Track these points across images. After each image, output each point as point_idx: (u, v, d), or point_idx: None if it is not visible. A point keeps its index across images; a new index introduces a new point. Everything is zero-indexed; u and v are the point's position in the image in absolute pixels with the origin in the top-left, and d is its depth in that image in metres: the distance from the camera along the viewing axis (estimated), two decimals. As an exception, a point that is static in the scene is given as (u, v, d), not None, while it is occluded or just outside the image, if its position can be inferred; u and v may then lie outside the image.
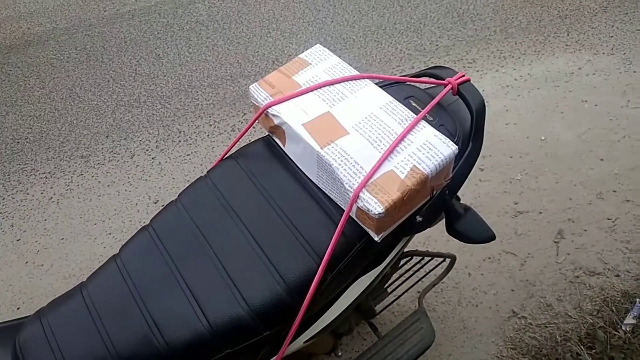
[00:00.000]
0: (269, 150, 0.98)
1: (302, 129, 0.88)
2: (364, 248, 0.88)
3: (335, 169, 0.83)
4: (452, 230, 1.01)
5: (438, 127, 0.97)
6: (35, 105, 2.65)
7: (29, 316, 0.86)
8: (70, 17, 3.26)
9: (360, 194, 0.81)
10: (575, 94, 2.17)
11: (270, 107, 0.92)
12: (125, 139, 2.39)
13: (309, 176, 0.92)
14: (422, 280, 1.41)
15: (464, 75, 1.01)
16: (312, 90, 0.93)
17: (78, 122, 2.51)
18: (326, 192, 0.90)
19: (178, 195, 0.97)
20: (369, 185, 0.81)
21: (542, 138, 2.02)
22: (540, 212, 1.80)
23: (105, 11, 3.26)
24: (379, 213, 0.79)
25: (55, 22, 3.24)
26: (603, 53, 2.34)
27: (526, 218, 1.79)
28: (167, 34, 2.98)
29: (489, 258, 1.70)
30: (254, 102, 0.96)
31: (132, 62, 2.81)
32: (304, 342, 0.93)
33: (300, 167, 0.94)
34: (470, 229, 1.00)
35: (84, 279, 1.87)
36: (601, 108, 2.10)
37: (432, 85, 1.05)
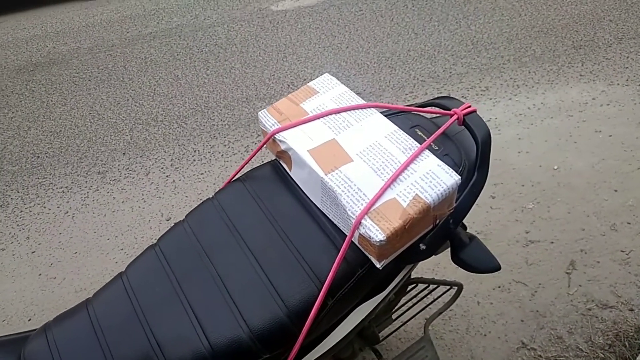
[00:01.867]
0: (276, 174, 1.00)
1: (308, 155, 0.89)
2: (365, 275, 0.88)
3: (338, 195, 0.84)
4: (456, 259, 1.01)
5: (443, 156, 0.98)
6: (56, 121, 2.73)
7: (35, 330, 0.88)
8: (94, 38, 3.37)
9: (363, 221, 0.82)
10: (589, 124, 2.16)
11: (277, 133, 0.94)
12: (141, 156, 2.44)
13: (313, 201, 0.94)
14: (430, 307, 1.40)
15: (470, 106, 1.02)
16: (318, 118, 0.95)
17: (97, 139, 2.57)
18: (330, 218, 0.91)
19: (186, 216, 0.99)
20: (371, 212, 0.82)
21: (555, 167, 2.01)
22: (552, 242, 1.78)
23: (127, 32, 3.37)
24: (380, 240, 0.79)
25: (79, 42, 3.35)
26: (618, 84, 2.34)
27: (537, 247, 1.77)
28: (186, 55, 3.06)
29: (499, 287, 1.68)
30: (263, 128, 0.99)
31: (152, 82, 2.89)
32: (304, 367, 0.93)
33: (305, 192, 0.95)
34: (474, 259, 1.00)
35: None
36: (615, 139, 2.09)
37: (439, 115, 1.06)
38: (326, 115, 0.95)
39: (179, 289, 0.88)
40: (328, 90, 1.00)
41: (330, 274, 0.84)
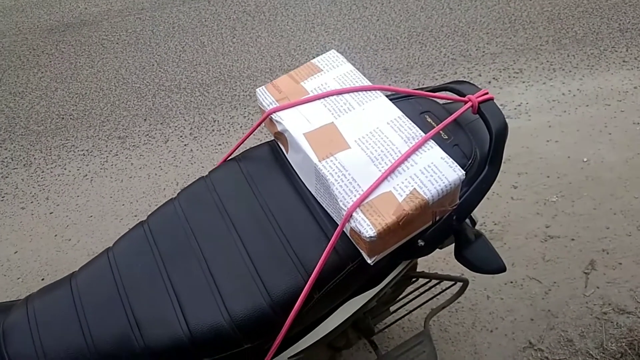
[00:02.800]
0: (273, 155, 0.95)
1: (303, 138, 0.84)
2: (356, 269, 0.84)
3: (330, 184, 0.80)
4: (459, 256, 0.96)
5: (452, 146, 0.92)
6: (82, 83, 2.74)
7: (19, 300, 0.88)
8: (125, 0, 3.35)
9: (354, 214, 0.77)
10: (628, 114, 2.02)
11: (274, 112, 0.89)
12: (161, 123, 2.43)
13: (308, 187, 0.89)
14: (433, 301, 1.34)
15: (487, 93, 0.94)
16: (318, 99, 0.89)
17: (120, 103, 2.58)
18: (323, 206, 0.87)
19: (178, 193, 0.96)
20: (364, 205, 0.77)
21: (585, 159, 1.90)
22: (573, 239, 1.69)
23: (158, -5, 3.33)
24: (371, 237, 0.75)
25: (110, 4, 3.34)
26: (665, 72, 2.17)
27: (556, 244, 1.68)
28: (214, 22, 3.00)
29: (511, 282, 1.62)
30: (260, 106, 0.94)
31: (178, 48, 2.86)
32: (289, 358, 0.90)
33: (301, 177, 0.91)
34: (478, 258, 0.94)
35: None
36: (655, 132, 1.95)
37: (452, 100, 0.99)
38: (327, 96, 0.89)
39: (164, 270, 0.86)
40: (332, 69, 0.94)
41: (317, 266, 0.80)
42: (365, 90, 0.90)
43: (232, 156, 1.00)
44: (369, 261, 0.81)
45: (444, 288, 1.30)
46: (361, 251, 0.82)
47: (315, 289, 0.81)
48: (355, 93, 0.90)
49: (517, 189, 1.85)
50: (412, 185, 0.78)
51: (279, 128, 0.89)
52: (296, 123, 0.86)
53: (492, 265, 0.94)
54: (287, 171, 0.92)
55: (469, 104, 0.92)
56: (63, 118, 2.56)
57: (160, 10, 3.20)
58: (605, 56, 2.28)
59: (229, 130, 2.34)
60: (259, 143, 1.03)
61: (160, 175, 2.19)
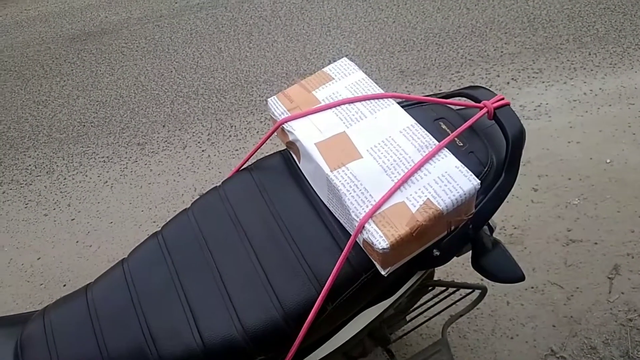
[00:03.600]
0: (285, 165, 0.95)
1: (315, 148, 0.84)
2: (370, 280, 0.83)
3: (342, 194, 0.79)
4: (476, 265, 0.94)
5: (467, 154, 0.90)
6: (103, 91, 2.79)
7: (37, 311, 0.89)
8: (144, 8, 3.40)
9: (366, 225, 0.76)
10: (653, 114, 1.97)
11: (285, 122, 0.89)
12: (180, 129, 2.45)
13: (320, 197, 0.89)
14: (451, 307, 1.32)
15: (503, 98, 0.92)
16: (330, 108, 0.89)
17: (139, 110, 2.61)
18: (336, 216, 0.86)
19: (192, 204, 0.97)
20: (377, 216, 0.76)
21: (608, 161, 1.85)
22: (596, 243, 1.64)
23: (176, 3, 3.37)
24: (384, 248, 0.74)
25: (130, 12, 3.39)
26: (692, 70, 2.10)
27: (579, 248, 1.64)
28: (230, 27, 3.03)
29: (532, 287, 1.58)
30: (272, 116, 0.94)
31: (195, 54, 2.88)
32: (303, 369, 0.90)
33: (313, 186, 0.90)
34: (496, 267, 0.92)
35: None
36: (682, 132, 1.89)
37: (467, 107, 0.97)
38: (338, 105, 0.89)
39: (177, 281, 0.86)
40: (344, 77, 0.94)
41: (331, 277, 0.79)
42: (377, 99, 0.89)
43: (245, 165, 1.00)
44: (382, 272, 0.80)
45: (462, 295, 1.27)
46: (374, 262, 0.81)
47: (328, 301, 0.81)
48: (367, 101, 0.89)
49: (537, 191, 1.81)
50: (426, 196, 0.77)
51: (291, 138, 0.88)
52: (308, 133, 0.86)
53: (510, 274, 0.92)
54: (299, 181, 0.92)
55: (485, 109, 0.90)
56: (84, 125, 2.61)
57: (178, 18, 3.23)
58: (628, 54, 2.22)
59: (245, 136, 2.35)
60: (271, 152, 1.03)
61: (179, 182, 2.21)
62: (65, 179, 2.34)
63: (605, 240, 1.64)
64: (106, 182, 2.28)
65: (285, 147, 0.98)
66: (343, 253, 0.79)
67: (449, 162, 0.80)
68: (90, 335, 0.81)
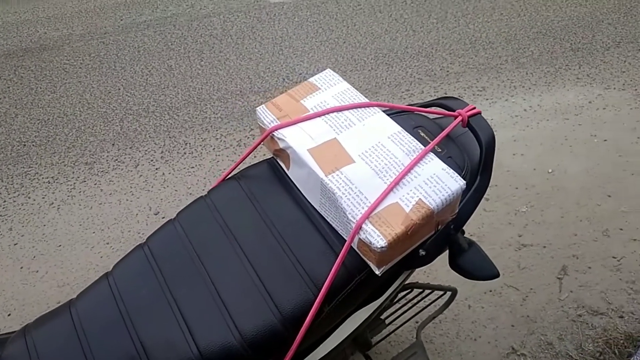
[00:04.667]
0: (273, 173, 0.96)
1: (308, 154, 0.86)
2: (364, 281, 0.85)
3: (338, 197, 0.81)
4: (454, 265, 0.99)
5: (446, 159, 0.95)
6: (44, 109, 2.66)
7: (14, 332, 0.84)
8: (86, 24, 3.29)
9: (363, 226, 0.79)
10: (585, 128, 2.15)
11: (276, 130, 0.90)
12: (130, 147, 2.38)
13: (311, 202, 0.91)
14: (421, 312, 1.37)
15: (474, 108, 0.99)
16: (319, 116, 0.91)
17: (85, 129, 2.51)
18: (328, 220, 0.88)
19: (177, 214, 0.95)
20: (373, 217, 0.79)
21: (550, 171, 2.00)
22: (545, 247, 1.77)
23: (121, 20, 3.30)
24: (382, 247, 0.76)
25: (71, 28, 3.27)
26: (614, 88, 2.33)
27: (530, 252, 1.76)
28: (180, 45, 3.00)
29: (490, 291, 1.67)
30: (260, 124, 0.95)
31: (144, 71, 2.83)
32: (297, 374, 0.90)
33: (303, 192, 0.92)
34: (473, 266, 0.98)
35: (78, 288, 1.84)
36: (611, 144, 2.08)
37: (441, 115, 1.03)
38: (328, 113, 0.92)
39: (168, 292, 0.84)
40: (330, 87, 0.97)
41: (328, 280, 0.81)
42: (364, 107, 0.93)
43: (230, 175, 1.00)
44: (377, 272, 0.82)
45: (434, 299, 1.33)
46: (369, 262, 0.83)
47: (325, 303, 0.82)
48: (354, 109, 0.92)
49: (489, 201, 1.92)
50: (418, 196, 0.81)
51: (282, 145, 0.90)
52: (299, 140, 0.88)
53: (486, 272, 0.97)
54: (288, 187, 0.93)
55: (460, 118, 0.97)
56: (25, 145, 2.47)
57: (124, 34, 3.16)
58: (560, 74, 2.43)
59: (201, 153, 2.32)
60: (253, 162, 1.04)
61: (132, 201, 2.14)
62: (5, 201, 2.19)
63: (553, 244, 1.77)
64: (52, 203, 2.16)
65: (271, 156, 1.00)
66: (341, 253, 0.81)
67: (436, 165, 0.85)
68: (79, 352, 0.77)
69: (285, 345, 0.81)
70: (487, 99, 2.34)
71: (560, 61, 2.50)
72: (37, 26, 3.34)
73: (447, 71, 2.54)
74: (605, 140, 2.09)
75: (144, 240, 0.92)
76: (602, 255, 1.72)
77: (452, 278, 1.68)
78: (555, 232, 1.81)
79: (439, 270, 1.70)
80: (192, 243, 0.89)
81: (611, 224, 1.80)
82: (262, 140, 0.94)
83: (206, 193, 0.97)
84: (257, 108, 0.95)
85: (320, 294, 0.80)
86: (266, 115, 0.93)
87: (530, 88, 2.37)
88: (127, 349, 0.78)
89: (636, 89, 2.31)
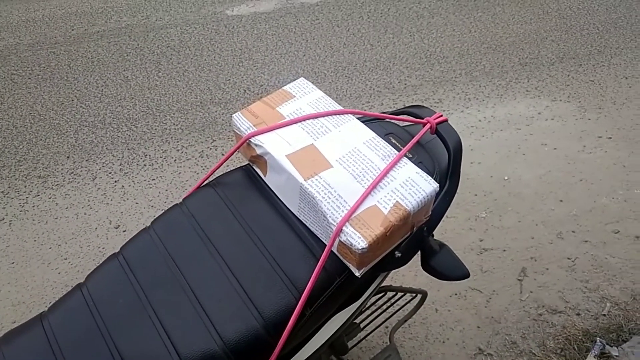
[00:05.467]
0: (249, 179, 0.97)
1: (286, 160, 0.87)
2: (344, 283, 0.86)
3: (318, 201, 0.82)
4: (426, 266, 1.02)
5: (417, 164, 0.99)
6: (-9, 121, 2.54)
7: (-19, 349, 0.79)
8: (35, 34, 3.17)
9: (344, 228, 0.80)
10: (536, 137, 2.27)
11: (253, 136, 0.91)
12: (87, 160, 2.31)
13: (289, 208, 0.91)
14: (394, 315, 1.40)
15: (441, 115, 1.04)
16: (296, 122, 0.93)
17: (37, 141, 2.41)
18: (307, 225, 0.89)
19: (151, 222, 0.94)
20: (353, 219, 0.81)
21: (505, 178, 2.09)
22: (505, 250, 1.84)
23: (72, 30, 3.20)
24: (362, 248, 0.78)
25: (19, 38, 3.15)
26: (560, 100, 2.47)
27: (491, 255, 1.83)
28: (136, 56, 2.94)
29: (456, 294, 1.72)
30: (236, 131, 0.95)
31: (99, 82, 2.75)
32: (278, 379, 0.89)
33: (281, 198, 0.92)
34: (445, 266, 1.01)
35: (34, 307, 1.76)
36: (559, 152, 2.20)
37: (410, 123, 1.07)
38: (304, 120, 0.93)
39: (146, 301, 0.82)
40: (304, 95, 0.99)
41: (310, 283, 0.81)
42: (339, 114, 0.95)
43: (205, 183, 1.00)
44: (356, 274, 0.84)
45: (403, 303, 1.35)
46: (348, 265, 0.85)
47: (306, 306, 0.82)
48: (330, 117, 0.94)
49: (450, 207, 1.98)
50: (395, 199, 0.83)
51: (259, 151, 0.91)
52: (277, 146, 0.89)
53: (458, 272, 1.01)
54: (265, 193, 0.94)
55: (428, 125, 1.01)
56: (-30, 158, 2.34)
57: (77, 45, 3.07)
58: (511, 86, 2.55)
59: (162, 165, 2.27)
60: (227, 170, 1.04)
61: (90, 215, 2.07)
62: (-50, 218, 2.07)
63: (512, 247, 1.85)
64: (2, 219, 2.06)
65: (247, 163, 1.00)
66: (322, 256, 0.82)
67: (410, 169, 0.88)
68: (55, 367, 0.74)
69: (267, 350, 0.81)
70: (443, 111, 2.43)
71: (510, 75, 2.63)
72: (-20, 35, 3.19)
73: (405, 84, 2.62)
74: (555, 148, 2.21)
75: (118, 250, 0.90)
76: (558, 257, 1.81)
77: (419, 282, 1.73)
78: (514, 236, 1.89)
79: (406, 275, 1.74)
80: (168, 250, 0.88)
81: (564, 227, 1.90)
82: (238, 147, 0.94)
83: (181, 201, 0.96)
84: (233, 115, 0.95)
85: (302, 297, 0.81)
86: (242, 122, 0.94)
87: (483, 100, 2.48)
88: (105, 361, 0.76)
89: (579, 101, 2.46)
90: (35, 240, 1.96)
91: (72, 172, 2.25)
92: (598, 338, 1.52)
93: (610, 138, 2.26)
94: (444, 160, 1.02)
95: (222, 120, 2.47)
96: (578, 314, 1.65)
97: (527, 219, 1.94)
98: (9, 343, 0.78)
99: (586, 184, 2.06)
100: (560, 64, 2.71)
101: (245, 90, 2.65)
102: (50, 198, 2.14)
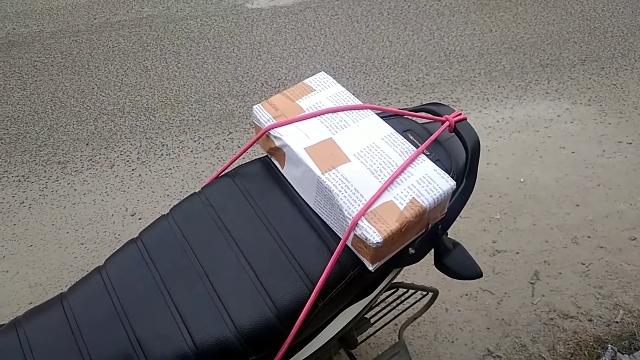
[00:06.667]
0: (267, 171, 0.98)
1: (304, 152, 0.88)
2: (356, 277, 0.87)
3: (335, 195, 0.83)
4: (440, 264, 1.02)
5: (434, 161, 0.99)
6: (14, 106, 2.58)
7: (1, 325, 0.82)
8: (58, 22, 3.22)
9: (359, 222, 0.81)
10: (554, 140, 2.25)
11: (272, 128, 0.92)
12: (105, 148, 2.34)
13: (306, 200, 0.92)
14: (403, 313, 1.40)
15: (460, 114, 1.03)
16: (315, 116, 0.93)
17: (58, 127, 2.45)
18: (322, 218, 0.90)
19: (170, 210, 0.95)
20: (368, 214, 0.81)
21: (522, 180, 2.08)
22: (518, 253, 1.83)
23: (95, 19, 3.24)
24: (377, 242, 0.79)
25: (42, 25, 3.19)
26: (581, 103, 2.44)
27: (504, 257, 1.82)
28: (156, 47, 2.97)
29: (467, 295, 1.71)
30: (256, 123, 0.96)
31: (119, 71, 2.78)
32: (288, 369, 0.90)
33: (298, 191, 0.93)
34: (458, 265, 1.01)
35: (51, 289, 1.80)
36: (578, 155, 2.18)
37: (429, 120, 1.07)
38: (323, 114, 0.94)
39: (163, 286, 0.84)
40: (324, 89, 0.99)
41: (324, 275, 0.82)
42: (358, 109, 0.96)
43: (223, 173, 1.01)
44: (370, 268, 0.85)
45: (414, 301, 1.36)
46: (362, 259, 0.85)
47: (319, 298, 0.83)
48: (348, 111, 0.95)
49: (464, 207, 1.97)
50: (411, 195, 0.84)
51: (278, 143, 0.91)
52: (296, 138, 0.90)
53: (471, 271, 1.01)
54: (282, 186, 0.95)
55: (447, 123, 1.01)
56: (-7, 142, 2.39)
57: (98, 34, 3.11)
58: (530, 88, 2.53)
59: (178, 155, 2.30)
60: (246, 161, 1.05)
61: (107, 201, 2.10)
62: (-28, 199, 2.12)
63: (525, 250, 1.83)
64: (23, 202, 2.10)
65: (265, 155, 1.01)
66: (337, 249, 0.83)
67: (427, 166, 0.88)
68: (72, 345, 0.76)
69: (279, 339, 0.82)
70: (461, 110, 2.41)
71: (531, 76, 2.61)
72: (5, 21, 3.24)
73: (423, 82, 2.61)
74: (573, 152, 2.19)
75: (137, 235, 0.92)
76: (572, 262, 1.80)
77: (430, 280, 1.73)
78: (528, 238, 1.87)
79: (417, 273, 1.74)
80: (186, 238, 0.89)
81: (579, 232, 1.88)
82: (258, 138, 0.95)
83: (199, 190, 0.97)
84: (254, 107, 0.96)
85: (315, 288, 0.82)
86: (262, 114, 0.95)
87: (502, 101, 2.46)
88: (122, 343, 0.77)
89: (600, 105, 2.43)
90: (53, 225, 2.00)
91: (91, 159, 2.28)
92: (610, 345, 1.51)
93: (631, 143, 2.23)
94: (461, 158, 1.02)
95: (239, 112, 2.49)
96: (590, 320, 1.64)
97: (542, 222, 1.92)
98: (30, 321, 0.80)
99: (604, 189, 2.04)
100: (582, 67, 2.67)
101: (262, 84, 2.66)
102: (68, 184, 2.17)
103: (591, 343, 1.55)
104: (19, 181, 2.18)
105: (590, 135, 2.27)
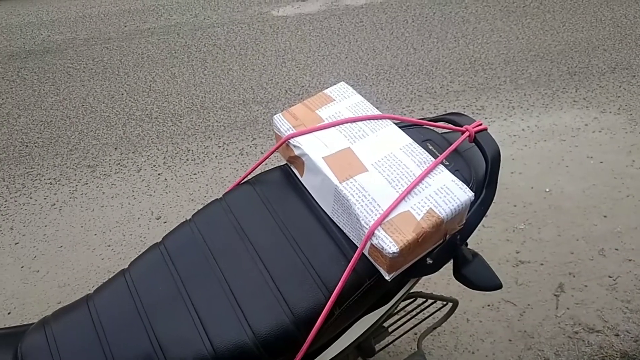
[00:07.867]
0: (286, 179, 0.99)
1: (322, 162, 0.89)
2: (373, 286, 0.88)
3: (352, 204, 0.84)
4: (459, 275, 1.02)
5: (454, 172, 0.98)
6: (47, 111, 2.68)
7: (32, 324, 0.85)
8: (90, 29, 3.33)
9: (376, 232, 0.81)
10: (581, 149, 2.21)
11: (292, 137, 0.93)
12: (133, 152, 2.40)
13: (324, 209, 0.93)
14: (422, 322, 1.39)
15: (481, 124, 1.03)
16: (334, 126, 0.95)
17: (88, 132, 2.53)
18: (340, 227, 0.91)
19: (192, 215, 0.98)
20: (385, 223, 0.82)
21: (547, 190, 2.04)
22: (542, 264, 1.80)
23: (125, 26, 3.33)
24: (393, 252, 0.79)
25: (75, 32, 3.31)
26: (610, 112, 2.39)
27: (527, 268, 1.79)
28: (184, 54, 3.03)
29: (488, 305, 1.69)
30: (277, 132, 0.98)
31: (148, 78, 2.86)
32: (304, 376, 0.91)
33: (316, 199, 0.95)
34: (477, 276, 1.01)
35: (78, 289, 1.85)
36: (606, 165, 2.13)
37: (449, 130, 1.07)
38: (342, 124, 0.95)
39: (183, 290, 0.86)
40: (344, 99, 1.00)
41: (340, 283, 0.83)
42: (377, 119, 0.97)
43: (244, 180, 1.03)
44: (387, 277, 0.85)
45: (436, 309, 1.35)
46: (379, 268, 0.86)
47: (336, 305, 0.84)
48: (367, 121, 0.96)
49: (487, 217, 1.95)
50: (428, 205, 0.84)
51: (297, 152, 0.93)
52: (315, 147, 0.91)
53: (490, 282, 1.01)
54: (301, 194, 0.96)
55: (467, 133, 1.00)
56: (27, 146, 2.48)
57: (128, 41, 3.20)
58: (557, 96, 2.49)
59: (203, 160, 2.34)
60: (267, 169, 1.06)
61: (134, 205, 2.15)
62: (6, 201, 2.20)
63: (550, 261, 1.80)
64: (54, 204, 2.17)
65: (285, 163, 1.02)
66: (353, 258, 0.84)
67: (445, 177, 0.89)
68: (96, 345, 0.79)
69: (296, 345, 0.83)
70: (485, 118, 2.39)
71: (558, 84, 2.56)
72: (40, 29, 3.37)
73: (447, 89, 2.59)
74: (601, 162, 2.14)
75: (160, 240, 0.94)
76: (598, 274, 1.76)
77: (450, 290, 1.71)
78: (552, 249, 1.84)
79: (438, 283, 1.73)
80: (207, 243, 0.91)
81: (607, 244, 1.84)
82: (278, 147, 0.97)
83: (221, 196, 0.99)
84: (274, 116, 0.98)
85: (332, 296, 0.83)
86: (283, 123, 0.96)
87: (528, 109, 2.43)
88: (144, 344, 0.80)
89: (631, 114, 2.37)
90: (82, 227, 2.06)
91: (119, 163, 2.35)
92: (636, 360, 1.47)
93: (662, 154, 2.17)
94: (481, 169, 1.02)
95: (263, 119, 2.52)
96: (617, 335, 1.60)
97: (567, 233, 1.89)
98: (58, 321, 0.83)
99: (633, 200, 1.99)
100: (612, 75, 2.61)
101: (287, 91, 2.69)
102: (97, 187, 2.24)
103: (617, 358, 1.51)
104: (51, 184, 2.26)
105: (619, 144, 2.22)
